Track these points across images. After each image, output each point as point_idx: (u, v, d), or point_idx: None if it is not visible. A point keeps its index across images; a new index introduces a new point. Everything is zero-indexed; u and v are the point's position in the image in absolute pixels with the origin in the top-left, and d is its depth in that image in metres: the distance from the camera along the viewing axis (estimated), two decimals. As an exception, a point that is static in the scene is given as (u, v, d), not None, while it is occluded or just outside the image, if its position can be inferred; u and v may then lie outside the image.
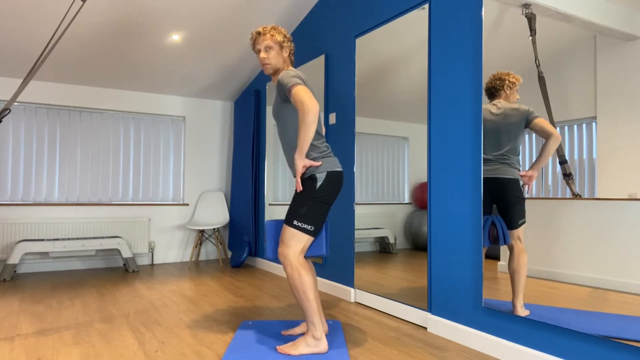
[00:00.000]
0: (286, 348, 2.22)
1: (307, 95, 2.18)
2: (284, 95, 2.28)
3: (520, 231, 2.18)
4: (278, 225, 2.43)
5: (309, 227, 2.26)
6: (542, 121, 2.13)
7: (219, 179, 5.67)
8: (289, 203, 2.57)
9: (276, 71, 2.43)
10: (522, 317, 2.13)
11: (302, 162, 2.21)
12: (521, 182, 2.21)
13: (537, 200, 2.07)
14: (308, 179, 2.30)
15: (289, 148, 2.38)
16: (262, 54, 2.38)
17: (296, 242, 2.25)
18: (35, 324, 2.75)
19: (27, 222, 4.55)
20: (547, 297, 2.02)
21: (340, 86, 3.61)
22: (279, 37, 2.39)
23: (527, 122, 2.18)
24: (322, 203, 2.28)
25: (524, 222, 2.17)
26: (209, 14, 3.85)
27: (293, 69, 2.36)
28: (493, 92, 2.29)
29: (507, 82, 2.21)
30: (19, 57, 4.15)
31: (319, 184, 2.27)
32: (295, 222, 2.26)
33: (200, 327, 2.71)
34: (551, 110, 2.02)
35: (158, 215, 5.22)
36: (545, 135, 2.11)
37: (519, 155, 2.19)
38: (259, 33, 2.41)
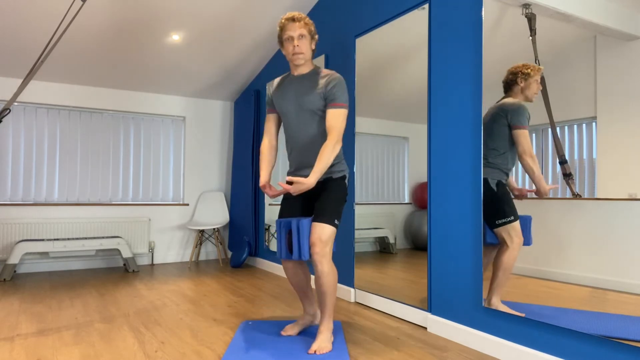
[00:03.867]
0: (318, 350, 2.20)
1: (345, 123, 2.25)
2: (331, 97, 2.23)
3: (504, 230, 2.19)
4: (308, 224, 2.29)
5: (339, 224, 2.38)
6: (518, 134, 2.14)
7: (219, 179, 5.67)
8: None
9: (306, 62, 2.33)
10: (522, 317, 2.13)
11: (314, 182, 2.17)
12: (495, 181, 2.23)
13: (537, 200, 2.07)
14: (340, 179, 2.35)
15: (308, 140, 2.32)
16: (296, 42, 2.24)
17: (332, 239, 2.28)
18: (35, 324, 2.75)
19: (27, 222, 4.55)
20: (547, 297, 2.02)
21: (340, 86, 3.61)
22: (312, 27, 2.30)
23: (509, 125, 2.19)
24: (345, 201, 2.39)
25: (506, 222, 2.18)
26: (209, 14, 3.85)
27: None
28: (507, 87, 2.20)
29: (520, 74, 2.13)
30: (19, 57, 4.15)
31: (347, 183, 2.39)
32: (336, 221, 2.28)
33: (200, 327, 2.71)
34: (551, 110, 2.02)
35: (158, 215, 5.22)
36: (518, 152, 2.13)
37: (503, 154, 2.20)
38: (293, 19, 2.24)
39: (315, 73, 2.33)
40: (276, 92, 2.41)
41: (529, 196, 2.11)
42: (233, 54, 4.55)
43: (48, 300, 3.38)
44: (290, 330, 2.50)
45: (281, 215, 2.43)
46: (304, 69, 2.34)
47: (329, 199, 2.29)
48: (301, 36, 2.26)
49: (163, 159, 5.34)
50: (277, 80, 2.46)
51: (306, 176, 2.36)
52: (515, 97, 2.14)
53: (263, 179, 2.38)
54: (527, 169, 2.13)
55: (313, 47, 2.33)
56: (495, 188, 2.27)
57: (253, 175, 5.01)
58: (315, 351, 2.19)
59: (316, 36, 2.34)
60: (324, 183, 2.35)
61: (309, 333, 2.53)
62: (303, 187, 2.13)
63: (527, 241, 2.11)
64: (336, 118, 2.22)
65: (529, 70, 2.09)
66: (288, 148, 2.44)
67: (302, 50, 2.27)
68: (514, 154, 2.17)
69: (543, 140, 2.05)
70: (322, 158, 2.16)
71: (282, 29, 2.28)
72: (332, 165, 2.35)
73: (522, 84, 2.12)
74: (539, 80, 2.05)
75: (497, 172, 2.25)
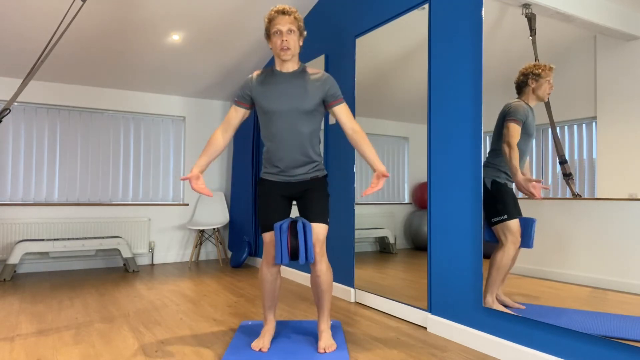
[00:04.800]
0: (327, 348, 2.24)
1: None
2: (334, 95, 2.27)
3: (499, 229, 2.21)
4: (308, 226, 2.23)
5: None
6: (505, 126, 2.17)
7: (219, 179, 5.67)
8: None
9: (293, 58, 2.26)
10: (522, 317, 2.13)
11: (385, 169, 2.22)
12: (489, 180, 2.27)
13: (537, 200, 2.07)
14: (325, 177, 2.37)
15: (298, 140, 2.25)
16: (285, 36, 2.16)
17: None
18: (35, 324, 2.75)
19: (27, 222, 4.55)
20: (547, 297, 2.02)
21: (341, 86, 3.61)
22: (301, 23, 2.25)
23: (503, 122, 2.21)
24: None
25: (500, 220, 2.20)
26: (209, 14, 3.85)
27: None
28: (519, 89, 2.17)
29: (531, 74, 2.10)
30: (19, 57, 4.14)
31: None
32: (328, 220, 2.31)
33: (200, 327, 2.71)
34: (551, 110, 2.02)
35: (158, 215, 5.22)
36: (502, 142, 2.17)
37: (501, 155, 2.22)
38: (283, 12, 2.17)
39: (304, 71, 2.28)
40: (260, 89, 2.26)
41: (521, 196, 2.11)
42: (233, 54, 4.55)
43: (48, 300, 3.37)
44: (263, 344, 2.27)
45: (272, 219, 2.28)
46: (292, 66, 2.27)
47: (322, 198, 2.28)
48: (290, 31, 2.18)
49: (163, 159, 5.34)
50: (258, 76, 2.30)
51: (294, 175, 2.30)
52: (527, 97, 2.12)
53: (199, 167, 2.20)
54: (504, 158, 2.19)
55: (301, 43, 2.27)
56: (489, 186, 2.29)
57: (253, 175, 5.01)
58: (324, 349, 2.23)
59: (304, 32, 2.28)
60: (310, 182, 2.32)
61: (306, 332, 2.53)
62: (386, 177, 2.21)
63: (527, 243, 2.11)
64: (349, 112, 2.31)
65: (540, 70, 2.07)
66: (271, 147, 2.28)
67: (290, 46, 2.18)
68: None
69: (543, 140, 2.05)
70: (370, 147, 2.25)
71: (271, 21, 2.19)
72: (317, 163, 2.33)
73: (533, 85, 2.10)
74: (551, 80, 2.03)
75: (494, 171, 2.27)
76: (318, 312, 2.38)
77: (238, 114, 2.32)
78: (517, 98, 2.17)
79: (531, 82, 2.11)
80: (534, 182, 2.05)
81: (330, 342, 2.28)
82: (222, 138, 2.31)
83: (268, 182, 2.34)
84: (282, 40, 2.18)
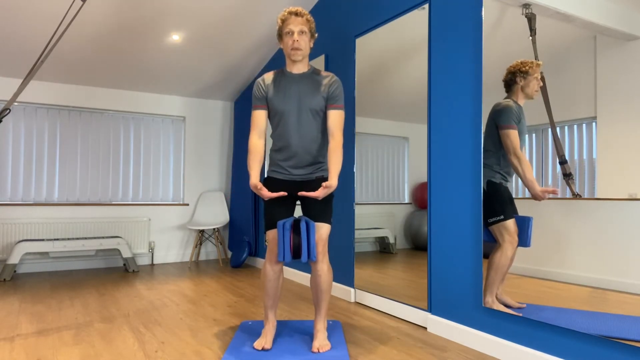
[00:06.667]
0: (321, 347, 2.25)
1: None
2: (334, 99, 2.28)
3: (496, 229, 2.21)
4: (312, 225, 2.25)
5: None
6: (503, 135, 2.16)
7: (219, 179, 5.67)
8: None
9: (304, 59, 2.30)
10: (522, 317, 2.13)
11: (336, 183, 2.21)
12: (485, 180, 2.28)
13: (537, 200, 2.07)
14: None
15: (307, 140, 2.29)
16: (296, 36, 2.21)
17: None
18: (35, 324, 2.75)
19: (27, 222, 4.55)
20: (547, 297, 2.02)
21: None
22: (313, 25, 2.29)
23: (496, 126, 2.21)
24: None
25: (496, 221, 2.21)
26: (209, 14, 3.85)
27: None
28: (507, 87, 2.18)
29: (519, 72, 2.11)
30: (19, 57, 4.14)
31: None
32: (331, 220, 2.33)
33: (200, 327, 2.71)
34: (551, 110, 2.02)
35: (158, 215, 5.22)
36: (507, 153, 2.15)
37: (494, 155, 2.23)
38: (296, 13, 2.23)
39: (315, 73, 2.34)
40: (274, 89, 2.31)
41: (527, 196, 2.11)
42: (233, 54, 4.55)
43: (48, 300, 3.37)
44: (266, 342, 2.29)
45: (276, 217, 2.30)
46: (303, 67, 2.32)
47: (326, 198, 2.30)
48: (302, 32, 2.23)
49: (163, 159, 5.34)
50: (269, 77, 2.34)
51: (300, 175, 2.34)
52: (516, 96, 2.13)
53: (256, 178, 2.20)
54: (514, 170, 2.14)
55: (311, 45, 2.31)
56: (485, 187, 2.29)
57: (253, 175, 5.00)
58: (318, 349, 2.23)
59: (316, 34, 2.33)
60: (315, 182, 2.34)
61: (306, 332, 2.53)
62: (330, 190, 2.17)
63: (524, 242, 2.11)
64: (340, 119, 2.28)
65: (527, 68, 2.08)
66: (280, 147, 2.33)
67: (301, 47, 2.24)
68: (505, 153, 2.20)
69: (543, 140, 2.05)
70: (338, 159, 2.21)
71: (284, 21, 2.25)
72: (322, 164, 2.38)
73: (521, 83, 2.12)
74: (539, 77, 2.04)
75: (489, 172, 2.27)
76: (315, 312, 2.38)
77: (262, 116, 2.35)
78: (506, 97, 2.18)
79: (519, 80, 2.12)
80: (550, 191, 2.03)
81: (325, 342, 2.29)
82: (261, 143, 2.32)
83: (274, 181, 2.37)
84: (294, 41, 2.23)
